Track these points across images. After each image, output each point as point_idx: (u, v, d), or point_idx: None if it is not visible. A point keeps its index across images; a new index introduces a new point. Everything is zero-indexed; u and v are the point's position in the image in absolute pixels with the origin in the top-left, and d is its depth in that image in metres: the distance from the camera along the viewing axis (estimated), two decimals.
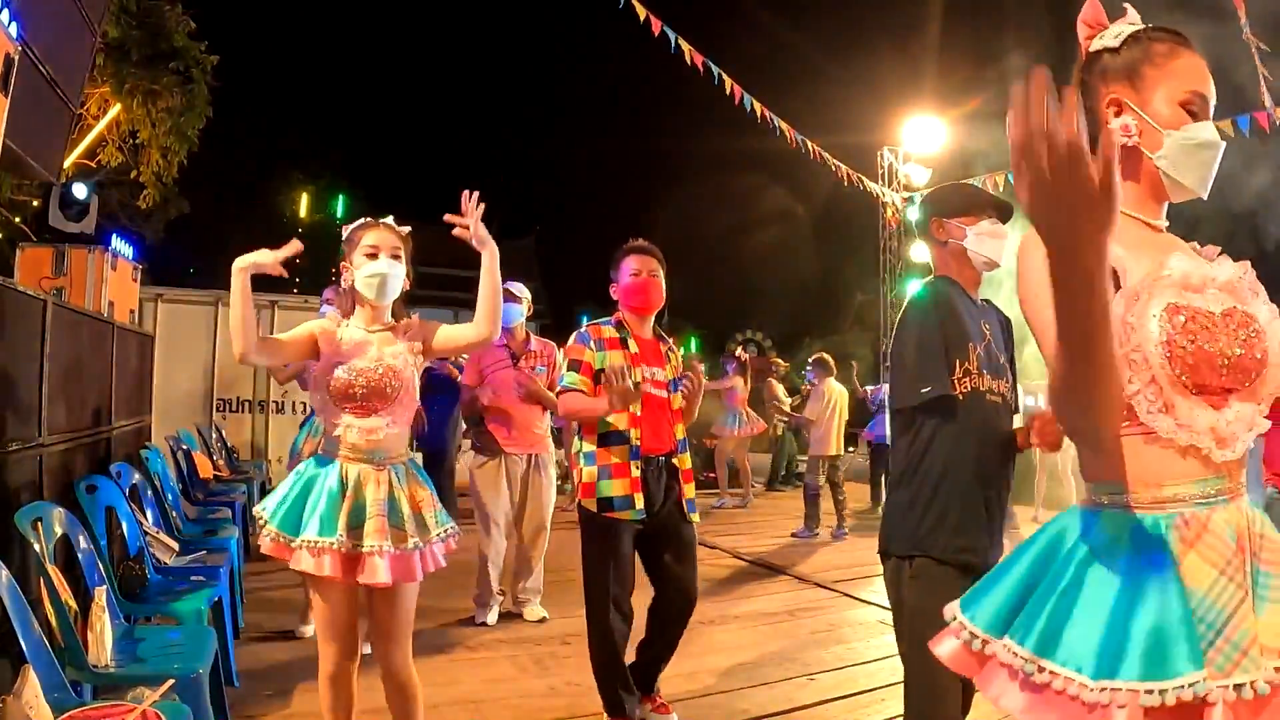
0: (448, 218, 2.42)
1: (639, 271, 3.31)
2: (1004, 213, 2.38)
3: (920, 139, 12.82)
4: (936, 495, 2.16)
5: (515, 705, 3.48)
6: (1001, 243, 2.34)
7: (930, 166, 12.76)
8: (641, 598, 3.28)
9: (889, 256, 13.86)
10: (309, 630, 4.05)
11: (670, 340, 3.49)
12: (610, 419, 3.18)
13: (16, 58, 3.79)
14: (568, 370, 3.27)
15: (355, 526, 2.33)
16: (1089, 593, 1.15)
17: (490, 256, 2.47)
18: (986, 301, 2.44)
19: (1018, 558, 1.28)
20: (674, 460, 3.30)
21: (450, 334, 2.61)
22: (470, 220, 2.41)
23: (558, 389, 3.36)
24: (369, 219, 2.59)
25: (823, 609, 5.19)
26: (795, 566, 6.37)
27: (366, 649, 2.57)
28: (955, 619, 1.30)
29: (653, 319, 3.42)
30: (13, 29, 3.73)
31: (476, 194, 2.41)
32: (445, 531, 2.50)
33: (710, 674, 3.91)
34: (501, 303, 2.54)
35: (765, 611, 5.11)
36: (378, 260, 2.48)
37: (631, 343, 3.29)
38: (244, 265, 2.37)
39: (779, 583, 5.95)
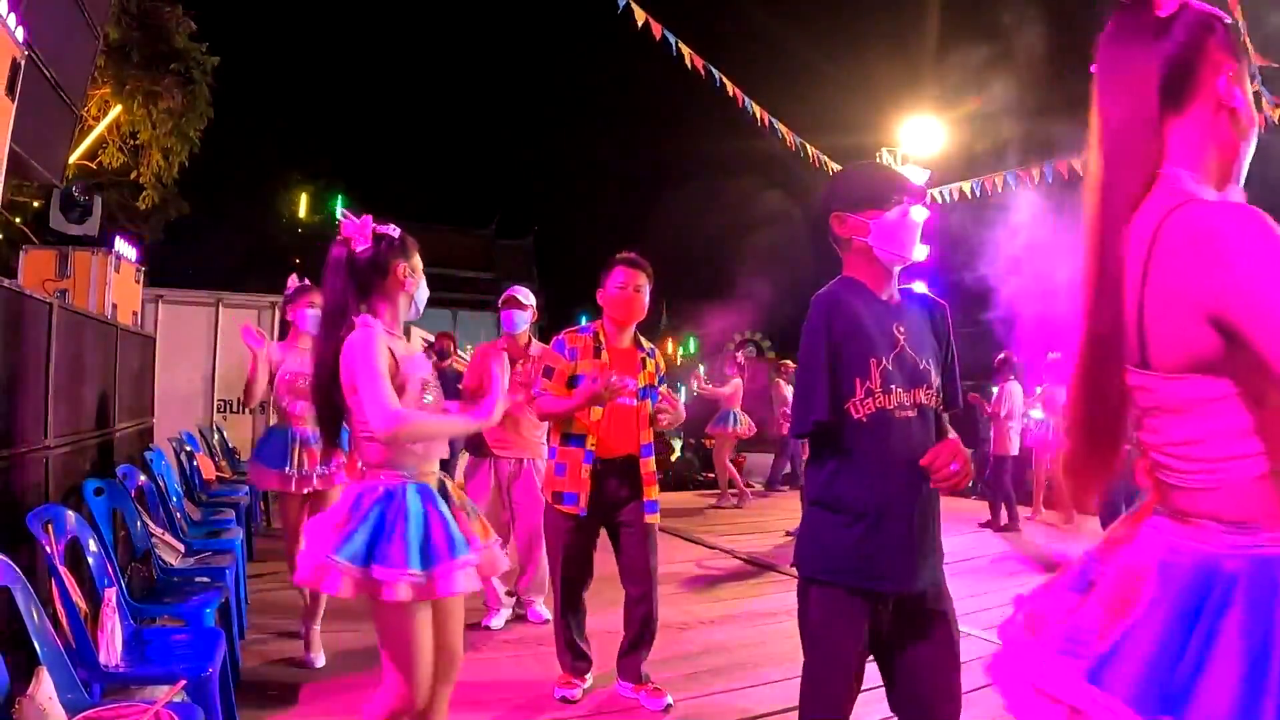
0: None
1: (625, 285, 3.51)
2: (914, 195, 2.11)
3: (918, 140, 12.82)
4: (847, 526, 2.02)
5: (518, 705, 3.50)
6: (913, 233, 2.07)
7: (929, 167, 12.76)
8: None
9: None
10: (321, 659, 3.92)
11: (650, 348, 3.66)
12: (571, 422, 3.46)
13: (23, 62, 3.81)
14: (542, 375, 3.52)
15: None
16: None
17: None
18: (907, 291, 2.19)
19: (1151, 618, 1.10)
20: (637, 462, 3.51)
21: None
22: None
23: (534, 393, 3.58)
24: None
25: None
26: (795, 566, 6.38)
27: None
28: (1092, 699, 1.09)
29: (633, 329, 3.61)
30: (19, 33, 3.75)
31: None
32: None
33: (711, 673, 3.94)
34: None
35: (765, 611, 5.13)
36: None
37: (604, 353, 3.50)
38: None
39: (779, 582, 5.96)
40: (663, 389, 3.62)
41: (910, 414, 2.02)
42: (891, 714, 2.23)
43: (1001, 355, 8.69)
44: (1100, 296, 1.19)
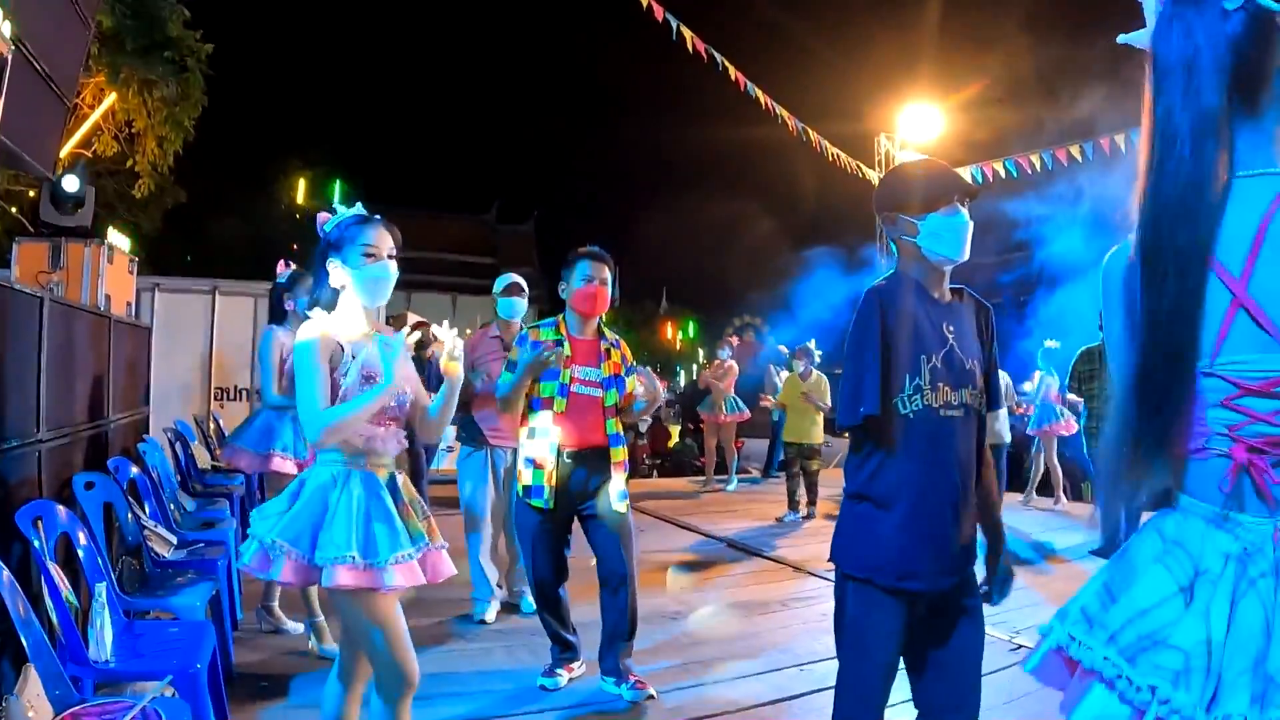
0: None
1: (591, 278, 3.56)
2: (966, 194, 2.12)
3: (916, 126, 12.82)
4: (884, 521, 2.05)
5: (510, 696, 3.53)
6: (962, 234, 2.08)
7: (926, 153, 12.76)
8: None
9: (885, 242, 13.89)
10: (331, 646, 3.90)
11: (615, 339, 3.69)
12: (535, 416, 3.50)
13: (10, 57, 3.80)
14: (504, 370, 3.53)
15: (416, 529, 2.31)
16: None
17: (452, 385, 2.46)
18: (959, 292, 2.20)
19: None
20: (605, 453, 3.54)
21: (420, 409, 2.50)
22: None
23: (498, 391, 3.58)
24: (361, 213, 2.42)
25: (815, 597, 5.22)
26: (789, 555, 6.42)
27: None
28: None
29: (596, 321, 3.65)
30: (6, 28, 3.74)
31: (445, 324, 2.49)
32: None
33: (703, 665, 3.96)
34: (447, 422, 2.55)
35: (759, 601, 5.16)
36: (381, 262, 2.35)
37: (565, 345, 3.53)
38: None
39: (773, 571, 6.00)
40: (631, 378, 3.63)
41: (956, 413, 2.05)
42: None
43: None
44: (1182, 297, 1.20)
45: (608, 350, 3.62)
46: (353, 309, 2.38)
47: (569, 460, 3.49)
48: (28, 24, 4.12)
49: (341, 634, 2.43)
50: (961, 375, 2.07)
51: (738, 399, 9.87)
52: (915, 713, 2.20)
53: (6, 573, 2.22)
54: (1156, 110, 1.24)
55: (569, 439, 3.49)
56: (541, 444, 3.48)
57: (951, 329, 2.09)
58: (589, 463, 3.52)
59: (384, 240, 2.37)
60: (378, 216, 2.43)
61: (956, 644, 2.12)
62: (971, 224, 2.10)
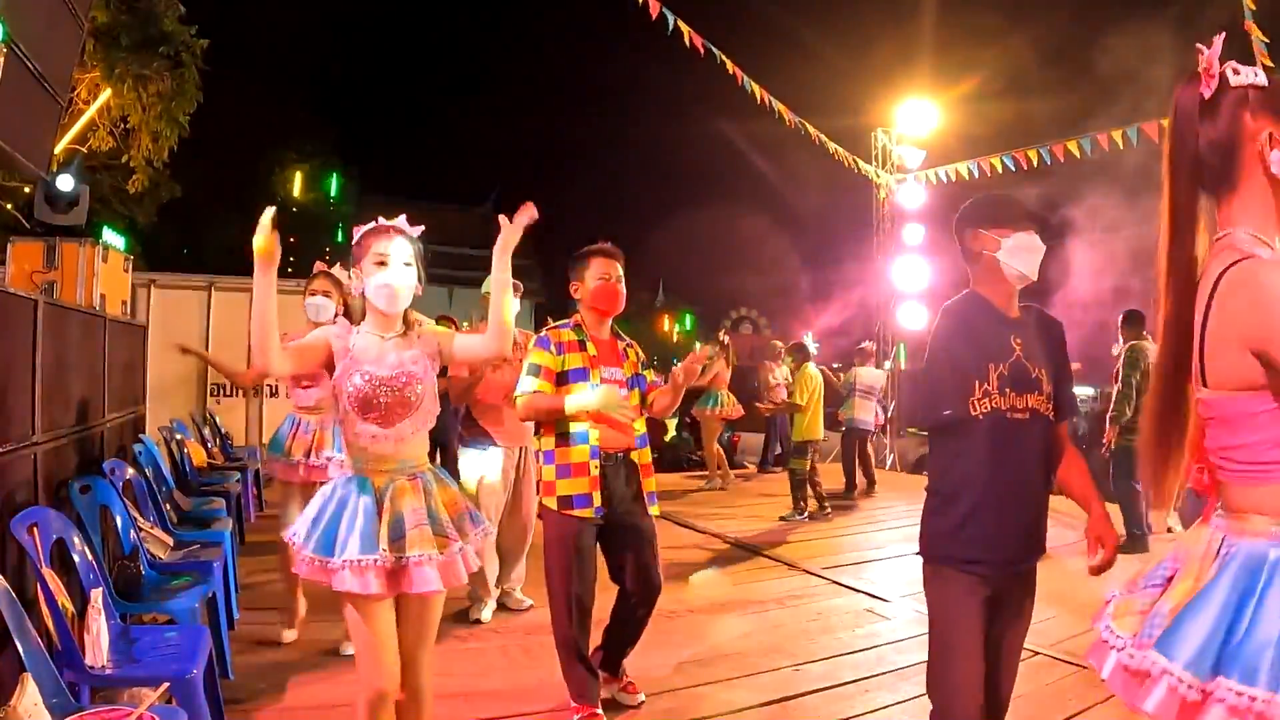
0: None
1: (607, 275, 3.40)
2: (1039, 225, 2.37)
3: (914, 121, 12.78)
4: (956, 511, 2.29)
5: (506, 696, 3.54)
6: (1035, 256, 2.33)
7: (924, 148, 12.74)
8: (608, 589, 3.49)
9: (882, 237, 13.86)
10: (291, 635, 4.10)
11: (628, 340, 3.58)
12: (568, 419, 3.29)
13: (2, 59, 3.78)
14: (526, 374, 3.32)
15: (397, 539, 2.29)
16: None
17: (503, 269, 2.50)
18: (1028, 308, 2.42)
19: (1209, 596, 1.35)
20: (633, 455, 3.42)
21: (467, 345, 2.59)
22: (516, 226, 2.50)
23: (517, 393, 3.36)
24: (380, 223, 2.49)
25: (811, 596, 5.24)
26: (785, 553, 6.44)
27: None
28: (1155, 665, 1.35)
29: (610, 320, 3.49)
30: None
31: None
32: (480, 531, 2.54)
33: (698, 665, 3.98)
34: (509, 323, 2.53)
35: (755, 599, 5.17)
36: (388, 270, 2.42)
37: (590, 345, 3.38)
38: (266, 250, 2.23)
39: (768, 569, 6.01)
40: (648, 371, 3.55)
41: (1023, 416, 2.27)
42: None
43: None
44: (1176, 335, 1.47)
45: (626, 350, 3.49)
46: (374, 314, 2.49)
47: (604, 465, 3.31)
48: (20, 24, 4.10)
49: None
50: (1028, 383, 2.28)
51: (716, 392, 9.81)
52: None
53: (2, 581, 2.23)
54: (1166, 188, 1.53)
55: (605, 441, 3.31)
56: (580, 449, 3.28)
57: (1019, 341, 2.31)
58: (624, 466, 3.38)
59: (396, 248, 2.45)
60: (398, 220, 2.52)
61: (1000, 637, 2.35)
62: (1043, 249, 2.36)
